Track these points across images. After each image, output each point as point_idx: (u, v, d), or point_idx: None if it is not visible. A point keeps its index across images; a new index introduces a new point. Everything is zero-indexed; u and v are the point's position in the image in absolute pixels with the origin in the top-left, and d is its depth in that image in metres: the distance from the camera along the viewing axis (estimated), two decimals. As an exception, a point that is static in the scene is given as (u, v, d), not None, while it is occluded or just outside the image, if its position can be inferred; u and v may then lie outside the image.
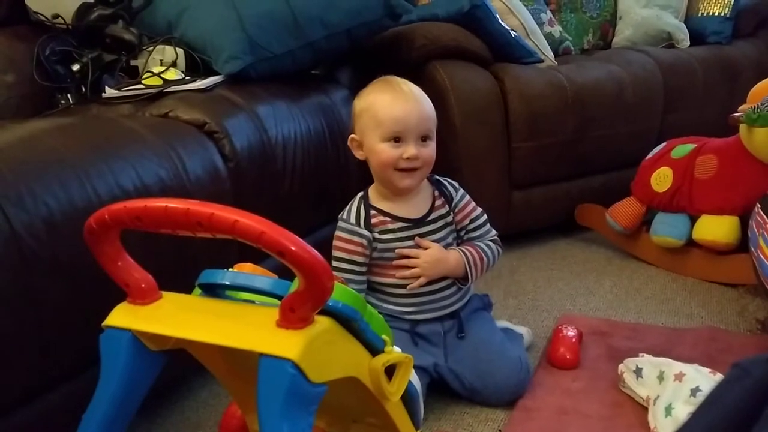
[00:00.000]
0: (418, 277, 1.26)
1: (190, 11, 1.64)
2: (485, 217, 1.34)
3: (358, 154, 1.28)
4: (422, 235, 1.28)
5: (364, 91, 1.27)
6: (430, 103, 1.26)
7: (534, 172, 2.00)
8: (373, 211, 1.27)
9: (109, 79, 1.57)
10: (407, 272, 1.26)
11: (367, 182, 1.32)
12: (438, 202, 1.30)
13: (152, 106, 1.38)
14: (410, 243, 1.27)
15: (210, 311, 0.75)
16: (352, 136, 1.28)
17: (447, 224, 1.30)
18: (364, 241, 1.25)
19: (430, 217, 1.29)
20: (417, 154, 1.22)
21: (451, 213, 1.30)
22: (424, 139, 1.24)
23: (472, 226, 1.32)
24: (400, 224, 1.27)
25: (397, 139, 1.22)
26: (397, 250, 1.26)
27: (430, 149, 1.25)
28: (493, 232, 1.36)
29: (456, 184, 1.34)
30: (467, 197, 1.33)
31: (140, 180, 1.09)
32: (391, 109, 1.20)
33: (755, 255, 1.45)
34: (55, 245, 0.92)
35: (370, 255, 1.26)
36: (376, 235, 1.26)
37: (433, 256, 1.26)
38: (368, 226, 1.26)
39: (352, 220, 1.26)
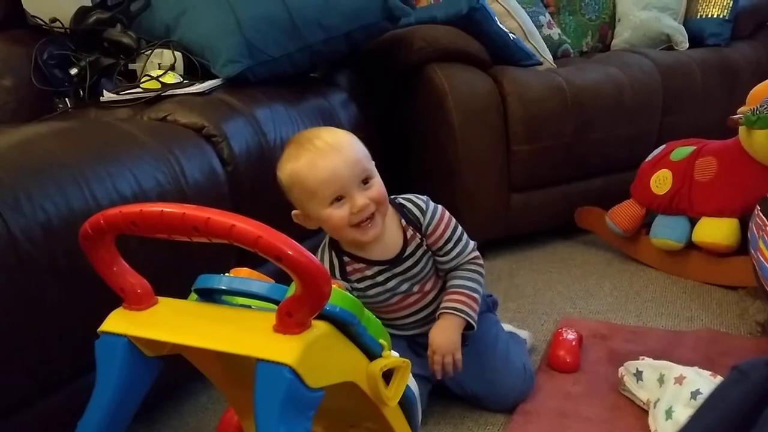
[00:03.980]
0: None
1: (188, 15, 1.64)
2: (459, 232, 1.21)
3: (310, 225, 1.13)
4: (402, 273, 1.19)
5: (281, 162, 1.10)
6: (354, 141, 1.10)
7: (533, 175, 2.00)
8: (346, 258, 1.18)
9: (107, 82, 1.57)
10: (438, 374, 1.18)
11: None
12: (409, 233, 1.18)
13: (150, 110, 1.38)
14: (391, 284, 1.19)
15: (206, 316, 0.75)
16: (294, 212, 1.12)
17: (424, 252, 1.19)
18: (343, 284, 1.17)
19: (407, 252, 1.18)
20: (366, 202, 1.07)
21: (423, 238, 1.18)
22: (366, 181, 1.08)
23: (446, 248, 1.19)
24: (376, 268, 1.18)
25: (338, 198, 1.07)
26: None
27: (377, 187, 1.10)
28: (470, 248, 1.22)
29: (422, 203, 1.19)
30: (437, 215, 1.19)
31: (138, 184, 1.09)
32: (315, 174, 1.05)
33: (755, 257, 1.45)
34: (53, 250, 0.92)
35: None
36: (354, 284, 1.18)
37: (437, 340, 1.16)
38: (344, 275, 1.18)
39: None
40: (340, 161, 1.05)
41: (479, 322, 1.27)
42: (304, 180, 1.06)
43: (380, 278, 1.19)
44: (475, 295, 1.20)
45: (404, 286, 1.20)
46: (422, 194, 1.23)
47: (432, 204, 1.20)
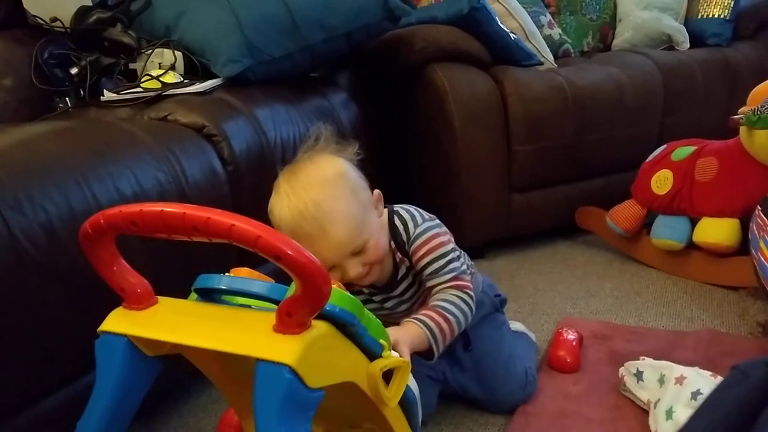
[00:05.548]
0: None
1: (189, 15, 1.64)
2: (444, 261, 1.11)
3: None
4: (399, 295, 1.16)
5: (270, 204, 1.03)
6: (344, 204, 0.99)
7: (534, 175, 2.00)
8: None
9: (107, 82, 1.57)
10: None
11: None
12: (398, 256, 1.12)
13: (151, 110, 1.38)
14: (389, 305, 1.17)
15: (206, 316, 0.75)
16: None
17: (416, 273, 1.14)
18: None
19: (399, 276, 1.14)
20: (359, 271, 1.03)
21: (410, 260, 1.13)
22: (357, 252, 1.02)
23: (427, 271, 1.11)
24: (371, 289, 1.16)
25: (330, 268, 1.01)
26: None
27: (372, 251, 1.03)
28: (452, 275, 1.10)
29: (412, 228, 1.11)
30: (425, 235, 1.10)
31: (138, 184, 1.09)
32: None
33: (756, 257, 1.45)
34: (54, 250, 0.92)
35: None
36: None
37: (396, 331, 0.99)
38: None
39: None
40: (324, 246, 0.97)
41: (484, 325, 1.26)
42: None
43: (377, 298, 1.18)
44: (451, 318, 1.05)
45: (403, 307, 1.19)
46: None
47: (422, 228, 1.11)
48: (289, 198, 0.99)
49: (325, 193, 0.98)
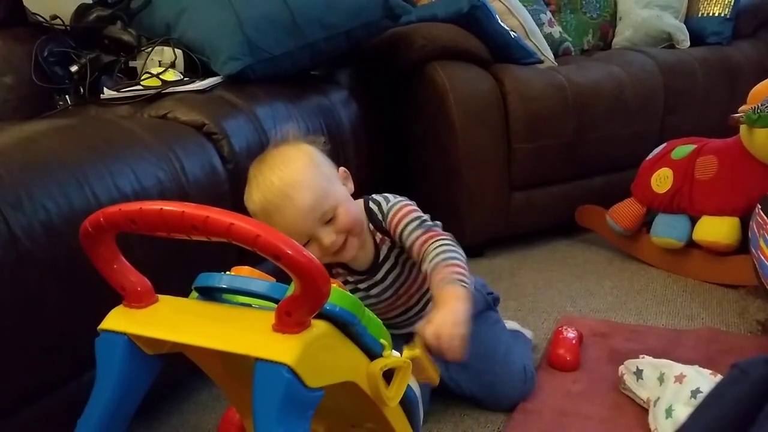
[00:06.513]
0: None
1: (189, 13, 1.64)
2: (421, 219, 1.12)
3: None
4: (382, 280, 1.18)
5: (245, 195, 1.08)
6: (308, 176, 1.04)
7: (534, 174, 2.00)
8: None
9: (107, 80, 1.57)
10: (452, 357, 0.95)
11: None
12: (378, 236, 1.15)
13: (151, 107, 1.38)
14: (375, 292, 1.19)
15: (206, 315, 0.75)
16: None
17: (399, 254, 1.17)
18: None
19: (381, 257, 1.17)
20: (332, 239, 1.06)
21: (389, 238, 1.15)
22: (329, 218, 1.06)
23: (404, 234, 1.12)
24: (357, 276, 1.18)
25: (306, 241, 1.06)
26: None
27: (343, 217, 1.06)
28: (427, 228, 1.11)
29: (385, 205, 1.14)
30: (397, 206, 1.13)
31: (138, 182, 1.09)
32: (275, 226, 0.94)
33: (756, 256, 1.45)
34: (54, 248, 0.92)
35: None
36: None
37: (439, 319, 0.96)
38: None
39: None
40: (293, 214, 1.03)
41: (479, 323, 1.25)
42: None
43: (362, 285, 1.19)
44: (461, 263, 1.04)
45: (388, 293, 1.20)
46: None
47: (394, 202, 1.15)
48: (257, 180, 1.06)
49: (288, 168, 1.05)
